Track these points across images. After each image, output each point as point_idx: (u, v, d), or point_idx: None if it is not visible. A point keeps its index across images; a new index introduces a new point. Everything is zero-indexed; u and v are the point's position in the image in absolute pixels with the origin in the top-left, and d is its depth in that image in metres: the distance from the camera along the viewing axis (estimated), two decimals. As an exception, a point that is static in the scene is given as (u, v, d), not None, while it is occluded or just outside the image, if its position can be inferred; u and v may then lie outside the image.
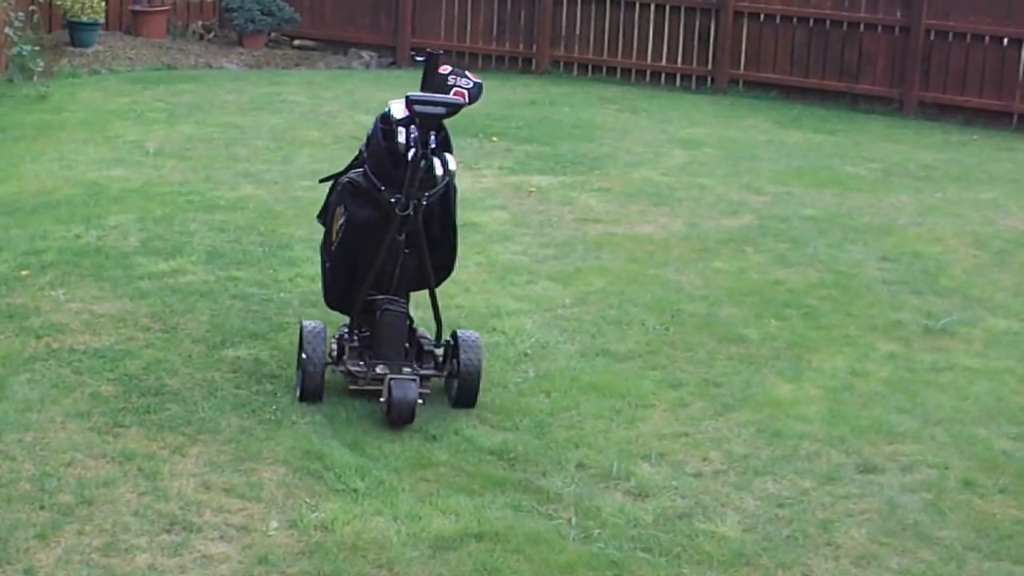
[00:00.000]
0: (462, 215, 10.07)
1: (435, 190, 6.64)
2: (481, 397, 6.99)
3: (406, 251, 6.76)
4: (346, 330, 7.00)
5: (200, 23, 18.96)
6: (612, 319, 8.27)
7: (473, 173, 11.76)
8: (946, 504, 6.13)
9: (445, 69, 6.88)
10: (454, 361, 6.86)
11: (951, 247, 10.20)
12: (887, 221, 10.86)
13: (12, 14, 14.65)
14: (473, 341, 6.88)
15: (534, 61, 18.00)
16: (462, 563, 5.45)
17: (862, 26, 16.45)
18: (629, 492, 6.13)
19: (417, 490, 6.01)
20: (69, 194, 10.40)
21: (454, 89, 6.79)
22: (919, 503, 6.14)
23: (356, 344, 6.91)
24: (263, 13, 18.53)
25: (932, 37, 16.00)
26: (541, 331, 7.99)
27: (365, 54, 18.46)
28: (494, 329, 7.96)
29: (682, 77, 17.43)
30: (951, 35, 15.93)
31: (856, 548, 5.74)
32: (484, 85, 6.94)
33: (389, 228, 6.64)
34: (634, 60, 17.58)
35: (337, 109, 14.32)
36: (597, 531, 5.75)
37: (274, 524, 5.66)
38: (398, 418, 6.57)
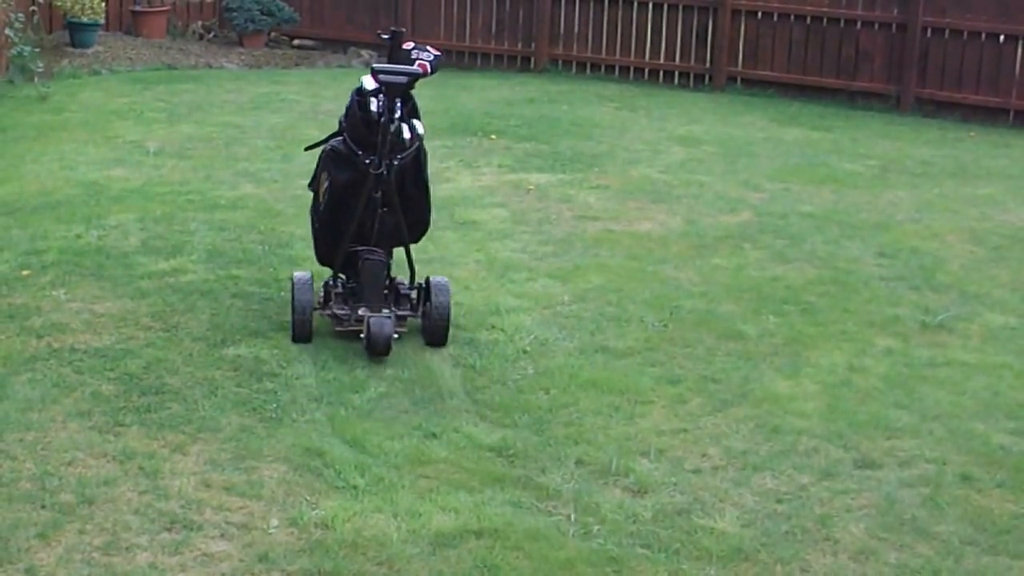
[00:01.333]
0: (462, 213, 10.22)
1: (406, 153, 7.49)
2: (480, 394, 7.05)
3: (384, 209, 7.57)
4: (331, 279, 7.80)
5: (200, 23, 18.98)
6: (611, 316, 8.29)
7: (472, 171, 11.80)
8: (944, 499, 6.16)
9: (408, 45, 7.74)
10: (427, 303, 7.67)
11: (948, 243, 10.22)
12: (884, 217, 10.88)
13: (12, 15, 14.66)
14: (443, 285, 7.67)
15: (533, 60, 18.01)
16: (462, 560, 5.47)
17: (859, 23, 16.44)
18: (628, 488, 6.15)
19: (417, 487, 6.03)
20: (70, 194, 10.43)
21: (417, 62, 7.59)
22: (917, 498, 6.16)
23: (340, 291, 7.75)
24: (263, 13, 18.56)
25: (929, 34, 16.00)
26: (540, 328, 8.01)
27: (365, 53, 18.48)
28: (493, 326, 7.99)
29: (680, 75, 17.43)
30: (947, 32, 15.93)
31: (854, 543, 5.76)
32: (442, 57, 7.86)
33: (366, 186, 7.46)
34: (632, 58, 17.58)
35: (337, 108, 14.18)
36: (596, 527, 5.78)
37: (274, 522, 5.69)
38: (375, 349, 7.36)
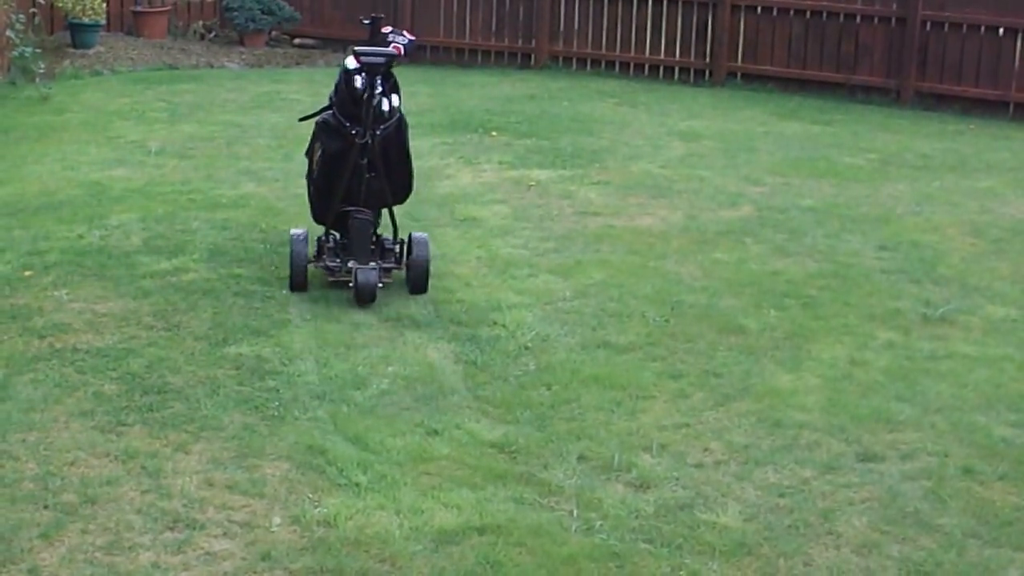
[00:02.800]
0: (463, 209, 10.24)
1: (387, 124, 8.31)
2: (482, 391, 7.07)
3: (371, 175, 8.38)
4: (324, 236, 8.67)
5: (201, 23, 18.99)
6: (612, 311, 8.30)
7: (473, 168, 11.80)
8: (946, 492, 6.16)
9: (386, 29, 8.67)
10: (409, 256, 8.54)
11: (949, 236, 10.22)
12: (885, 211, 10.88)
13: (14, 16, 14.66)
14: (423, 240, 8.57)
15: (533, 56, 18.03)
16: (464, 556, 5.47)
17: (858, 18, 16.46)
18: (630, 483, 6.15)
19: (419, 484, 6.04)
20: (71, 194, 10.44)
21: (392, 44, 8.49)
22: (919, 491, 6.16)
23: (332, 246, 8.60)
24: (263, 12, 18.57)
25: (928, 28, 16.02)
26: (542, 324, 8.02)
27: (365, 51, 18.47)
28: (495, 323, 8.00)
29: (680, 70, 17.45)
30: (947, 26, 15.94)
31: (857, 537, 5.76)
32: (416, 41, 8.74)
33: (353, 154, 8.29)
34: (632, 54, 17.60)
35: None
36: (599, 523, 5.78)
37: (277, 520, 5.69)
38: (362, 298, 8.22)
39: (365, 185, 8.40)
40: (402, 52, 8.48)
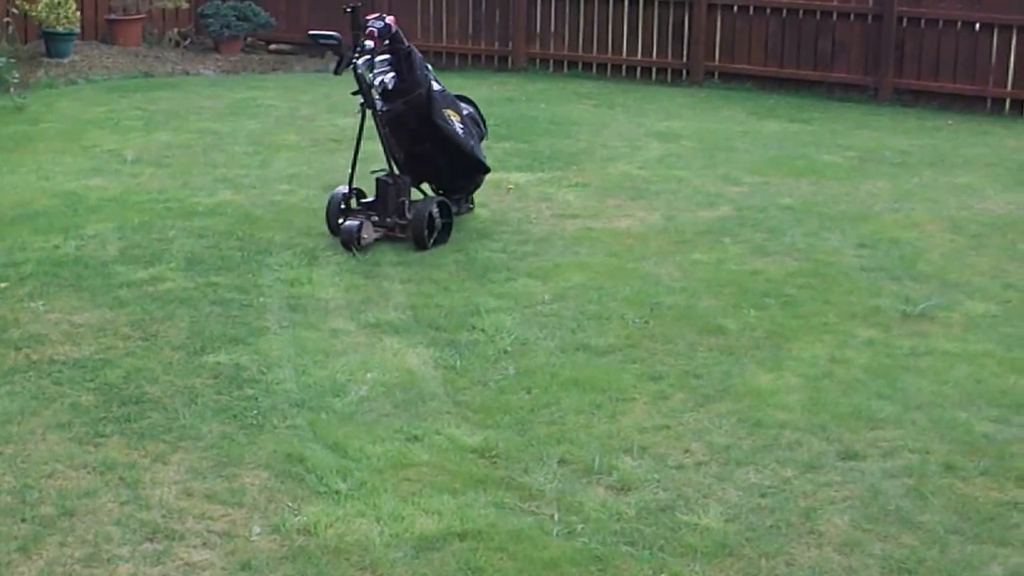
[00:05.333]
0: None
1: (409, 97, 9.47)
2: (462, 396, 7.04)
3: (415, 145, 9.65)
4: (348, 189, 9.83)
5: (176, 30, 18.97)
6: (591, 314, 8.28)
7: (451, 172, 11.77)
8: (928, 488, 6.14)
9: (369, 16, 9.45)
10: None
11: (928, 232, 10.22)
12: (864, 208, 10.88)
13: (-14, 26, 14.65)
14: (430, 201, 9.63)
15: (510, 59, 18.03)
16: (446, 563, 5.44)
17: (835, 15, 16.49)
18: (611, 486, 6.13)
19: (399, 490, 6.01)
20: (47, 205, 10.40)
21: (368, 29, 9.32)
22: (901, 488, 6.15)
23: (354, 199, 9.77)
24: (239, 19, 18.53)
25: (905, 24, 16.05)
26: (521, 328, 7.99)
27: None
28: (474, 327, 7.97)
29: (657, 71, 17.46)
30: (923, 22, 15.98)
31: (839, 535, 5.74)
32: (391, 27, 9.40)
33: (376, 123, 9.52)
34: (609, 55, 17.62)
35: (314, 112, 14.32)
36: (580, 526, 5.75)
37: (256, 529, 5.65)
38: (343, 241, 9.36)
39: (405, 153, 9.65)
40: (375, 34, 9.28)
